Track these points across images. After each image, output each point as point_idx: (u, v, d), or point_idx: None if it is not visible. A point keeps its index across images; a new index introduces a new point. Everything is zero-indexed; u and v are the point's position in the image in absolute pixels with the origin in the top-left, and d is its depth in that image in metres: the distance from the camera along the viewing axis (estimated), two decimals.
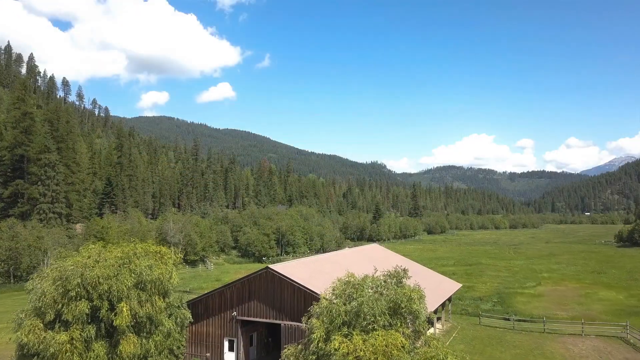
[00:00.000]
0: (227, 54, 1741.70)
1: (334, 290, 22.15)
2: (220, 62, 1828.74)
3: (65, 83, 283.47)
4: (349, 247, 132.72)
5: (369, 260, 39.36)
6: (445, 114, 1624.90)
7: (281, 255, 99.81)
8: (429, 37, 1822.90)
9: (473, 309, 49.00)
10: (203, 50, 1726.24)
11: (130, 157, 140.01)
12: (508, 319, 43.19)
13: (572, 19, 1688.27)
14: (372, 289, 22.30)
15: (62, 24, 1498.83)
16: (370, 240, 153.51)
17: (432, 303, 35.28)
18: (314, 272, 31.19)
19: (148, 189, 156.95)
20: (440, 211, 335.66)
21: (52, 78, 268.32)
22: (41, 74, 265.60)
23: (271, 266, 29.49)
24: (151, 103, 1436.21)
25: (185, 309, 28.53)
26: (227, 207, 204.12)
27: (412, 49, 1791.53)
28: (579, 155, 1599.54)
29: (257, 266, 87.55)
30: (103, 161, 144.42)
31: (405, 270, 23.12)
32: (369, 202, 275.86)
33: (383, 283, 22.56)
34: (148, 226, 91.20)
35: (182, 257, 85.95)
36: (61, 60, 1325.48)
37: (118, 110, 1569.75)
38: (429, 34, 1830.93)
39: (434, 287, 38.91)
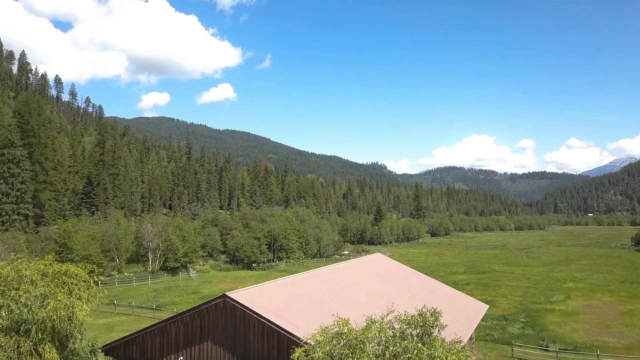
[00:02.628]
0: (228, 55, 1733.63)
1: (315, 347, 13.16)
2: (221, 63, 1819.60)
3: (57, 81, 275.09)
4: (347, 251, 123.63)
5: (372, 277, 30.33)
6: (446, 114, 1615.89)
7: (273, 261, 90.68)
8: (430, 38, 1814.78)
9: (499, 332, 39.93)
10: (204, 51, 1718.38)
11: (115, 155, 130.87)
12: (547, 350, 34.17)
13: (572, 20, 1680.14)
14: (379, 346, 13.32)
15: (63, 25, 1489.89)
16: (371, 243, 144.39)
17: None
18: (296, 300, 22.15)
19: (136, 189, 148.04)
20: (442, 212, 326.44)
21: (44, 76, 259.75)
22: (33, 72, 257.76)
23: (231, 293, 20.42)
24: (152, 104, 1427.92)
25: (99, 358, 19.53)
26: (221, 208, 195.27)
27: (413, 50, 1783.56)
28: (580, 156, 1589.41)
29: (245, 274, 78.48)
30: (87, 159, 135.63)
31: (436, 315, 13.92)
32: (369, 203, 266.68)
33: (399, 337, 13.42)
34: (127, 229, 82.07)
35: (161, 264, 76.98)
36: (62, 61, 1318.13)
37: (118, 111, 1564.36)
38: (430, 34, 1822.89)
39: (457, 312, 29.93)
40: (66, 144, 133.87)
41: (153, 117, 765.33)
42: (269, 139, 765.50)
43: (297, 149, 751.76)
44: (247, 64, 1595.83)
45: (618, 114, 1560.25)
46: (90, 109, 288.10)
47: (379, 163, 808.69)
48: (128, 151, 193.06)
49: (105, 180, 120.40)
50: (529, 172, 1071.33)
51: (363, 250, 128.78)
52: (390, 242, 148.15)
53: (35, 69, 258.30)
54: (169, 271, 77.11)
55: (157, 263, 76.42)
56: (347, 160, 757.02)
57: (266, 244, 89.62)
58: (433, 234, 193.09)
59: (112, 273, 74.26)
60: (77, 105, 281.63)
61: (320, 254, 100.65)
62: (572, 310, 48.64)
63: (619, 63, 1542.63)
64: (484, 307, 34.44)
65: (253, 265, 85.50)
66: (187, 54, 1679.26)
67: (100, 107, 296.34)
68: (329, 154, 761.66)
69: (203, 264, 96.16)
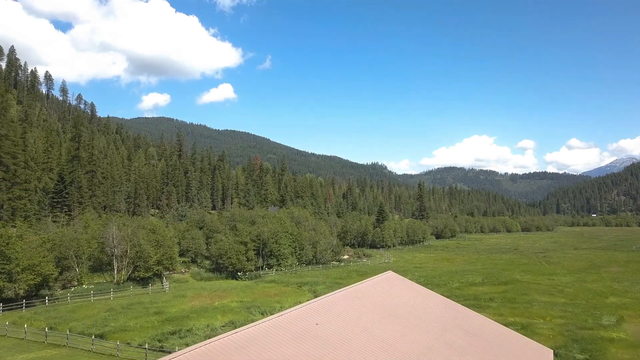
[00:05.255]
0: (228, 55, 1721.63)
1: None
2: (221, 64, 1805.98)
3: (47, 78, 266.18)
4: (347, 256, 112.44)
5: (384, 316, 19.23)
6: (446, 115, 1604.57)
7: (262, 269, 79.56)
8: (430, 38, 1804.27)
9: None
10: (204, 51, 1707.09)
11: (92, 151, 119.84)
12: None
13: (572, 20, 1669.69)
14: None
15: (63, 25, 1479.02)
16: (373, 246, 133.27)
17: None
18: None
19: (119, 188, 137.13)
20: (445, 213, 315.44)
21: (33, 72, 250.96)
22: (22, 68, 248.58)
23: None
24: (152, 105, 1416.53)
25: None
26: (214, 208, 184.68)
27: (413, 51, 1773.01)
28: (580, 156, 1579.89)
29: (228, 285, 67.39)
30: (64, 156, 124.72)
31: None
32: (370, 204, 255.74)
33: None
34: (94, 232, 70.83)
35: (130, 273, 65.97)
36: (63, 62, 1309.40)
37: (118, 112, 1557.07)
38: (430, 35, 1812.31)
39: None
40: (42, 137, 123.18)
41: (152, 117, 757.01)
42: (268, 140, 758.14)
43: (297, 149, 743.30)
44: (247, 64, 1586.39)
45: (618, 115, 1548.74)
46: (82, 107, 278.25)
47: (379, 163, 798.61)
48: (115, 148, 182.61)
49: (81, 178, 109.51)
50: (529, 173, 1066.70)
51: (364, 255, 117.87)
52: (393, 245, 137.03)
53: (25, 64, 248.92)
54: (139, 282, 66.13)
55: (124, 273, 65.40)
56: (347, 161, 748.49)
57: (254, 250, 78.54)
58: (438, 236, 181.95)
59: (74, 284, 63.41)
60: (69, 103, 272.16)
61: (316, 260, 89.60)
62: (638, 340, 37.67)
63: (619, 63, 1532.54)
64: (548, 353, 23.42)
65: (238, 274, 74.49)
66: (187, 55, 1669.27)
67: (92, 104, 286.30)
68: (329, 154, 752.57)
69: (185, 271, 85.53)
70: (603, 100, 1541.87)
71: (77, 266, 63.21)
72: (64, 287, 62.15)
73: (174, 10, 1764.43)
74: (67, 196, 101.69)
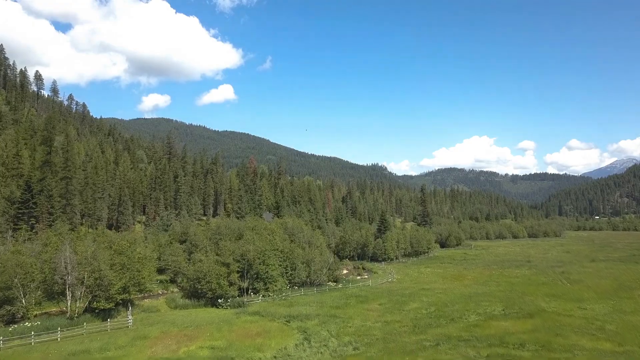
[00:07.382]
0: (229, 56, 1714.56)
1: None
2: (222, 65, 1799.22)
3: (37, 77, 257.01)
4: (346, 270, 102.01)
5: None
6: (446, 115, 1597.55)
7: (247, 293, 69.26)
8: (430, 39, 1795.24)
9: None
10: (205, 52, 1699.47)
11: (67, 155, 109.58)
12: None
13: (572, 21, 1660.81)
14: None
15: (63, 26, 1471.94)
16: (374, 259, 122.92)
17: None
18: None
19: (102, 195, 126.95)
20: (447, 216, 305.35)
21: (22, 72, 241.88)
22: (11, 67, 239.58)
23: None
24: (152, 105, 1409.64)
25: None
26: (205, 214, 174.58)
27: (413, 52, 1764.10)
28: (580, 157, 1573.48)
29: (205, 315, 57.04)
30: (37, 161, 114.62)
31: None
32: (370, 208, 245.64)
33: None
34: (53, 253, 60.62)
35: (87, 304, 55.55)
36: (62, 62, 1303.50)
37: (118, 113, 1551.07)
38: (430, 36, 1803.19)
39: None
40: (12, 141, 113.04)
41: (152, 118, 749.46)
42: (268, 140, 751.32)
43: (297, 150, 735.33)
44: (247, 65, 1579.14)
45: (618, 115, 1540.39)
46: (74, 107, 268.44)
47: (379, 164, 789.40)
48: (100, 151, 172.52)
49: (51, 186, 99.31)
50: (530, 174, 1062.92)
51: (364, 269, 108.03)
52: (396, 258, 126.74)
53: (13, 64, 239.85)
54: (99, 314, 55.97)
55: (79, 304, 55.24)
56: (347, 162, 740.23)
57: (238, 271, 68.32)
58: (442, 244, 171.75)
59: (20, 318, 53.29)
60: (61, 102, 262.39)
61: (310, 282, 79.31)
62: None
63: (619, 64, 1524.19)
64: None
65: (219, 300, 64.30)
66: (188, 56, 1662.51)
67: (84, 104, 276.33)
68: (329, 155, 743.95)
69: (162, 293, 75.73)
70: (603, 100, 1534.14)
71: (24, 297, 53.07)
72: (7, 323, 52.06)
73: (174, 11, 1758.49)
74: (34, 207, 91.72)
